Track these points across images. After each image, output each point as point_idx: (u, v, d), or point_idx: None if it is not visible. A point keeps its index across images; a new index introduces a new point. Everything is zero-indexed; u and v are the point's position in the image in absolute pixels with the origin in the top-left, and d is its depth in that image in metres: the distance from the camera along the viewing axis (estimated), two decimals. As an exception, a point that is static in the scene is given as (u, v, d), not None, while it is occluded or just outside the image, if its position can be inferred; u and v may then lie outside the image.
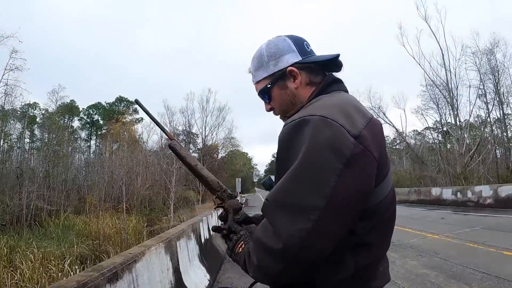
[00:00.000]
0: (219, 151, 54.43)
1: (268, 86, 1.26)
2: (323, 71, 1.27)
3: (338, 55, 1.25)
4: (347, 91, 1.26)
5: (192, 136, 52.29)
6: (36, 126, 40.68)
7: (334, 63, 1.26)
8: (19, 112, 30.44)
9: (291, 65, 1.22)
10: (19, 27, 27.62)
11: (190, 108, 48.89)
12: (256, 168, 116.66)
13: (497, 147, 28.81)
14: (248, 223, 1.25)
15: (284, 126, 1.08)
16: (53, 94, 38.23)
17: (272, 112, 1.33)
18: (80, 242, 14.55)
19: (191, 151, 52.72)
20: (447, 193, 18.65)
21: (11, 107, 26.29)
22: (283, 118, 1.31)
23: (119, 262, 2.97)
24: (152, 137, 45.57)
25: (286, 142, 1.04)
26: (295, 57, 1.23)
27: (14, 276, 8.90)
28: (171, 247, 4.64)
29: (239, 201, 1.31)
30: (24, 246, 11.94)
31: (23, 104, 29.28)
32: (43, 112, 41.04)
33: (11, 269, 9.47)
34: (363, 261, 1.06)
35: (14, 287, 8.47)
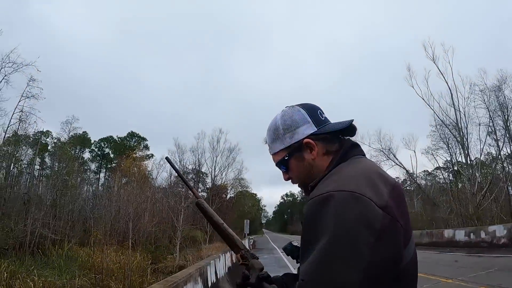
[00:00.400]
0: (228, 191, 54.30)
1: (286, 158, 1.28)
2: (338, 137, 1.28)
3: (352, 121, 1.26)
4: (364, 155, 1.28)
5: (201, 175, 52.40)
6: (47, 154, 41.04)
7: (348, 127, 1.27)
8: (31, 139, 30.89)
9: (307, 137, 1.23)
10: (39, 56, 28.48)
11: (200, 147, 49.29)
12: (264, 209, 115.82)
13: (509, 184, 28.38)
14: (270, 282, 1.31)
15: (310, 199, 1.07)
16: (66, 124, 38.90)
17: (290, 181, 1.34)
18: (82, 275, 14.31)
19: (200, 189, 52.73)
20: (460, 235, 18.23)
21: (24, 133, 26.95)
22: (301, 186, 1.33)
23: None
24: (161, 174, 45.62)
25: (314, 218, 1.03)
26: (311, 128, 1.24)
27: (12, 302, 8.68)
28: (177, 292, 4.54)
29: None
30: (25, 273, 11.75)
31: (36, 131, 29.75)
32: (55, 141, 41.61)
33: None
34: None
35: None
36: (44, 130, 38.05)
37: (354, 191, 0.99)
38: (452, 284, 8.45)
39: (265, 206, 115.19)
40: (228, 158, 49.80)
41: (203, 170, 51.54)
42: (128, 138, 58.11)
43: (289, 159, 1.27)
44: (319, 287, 0.94)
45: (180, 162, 47.84)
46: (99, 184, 51.07)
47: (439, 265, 12.28)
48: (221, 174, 50.29)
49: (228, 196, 55.05)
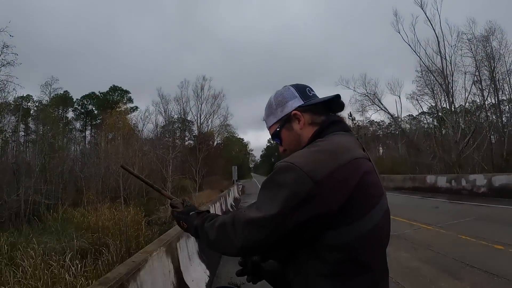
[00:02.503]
0: (215, 138, 54.64)
1: (278, 129, 1.44)
2: (326, 112, 1.42)
3: (338, 96, 1.40)
4: (346, 129, 1.39)
5: (187, 123, 52.44)
6: (30, 118, 40.06)
7: (336, 103, 1.41)
8: (12, 105, 30.19)
9: (295, 109, 1.39)
10: (9, 21, 26.82)
11: (184, 96, 49.12)
12: (252, 153, 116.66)
13: (492, 133, 28.96)
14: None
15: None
16: (46, 87, 38.06)
17: (285, 152, 1.46)
18: (80, 236, 14.56)
19: (186, 138, 53.06)
20: (442, 181, 18.74)
21: (4, 101, 26.22)
22: None
23: (124, 273, 3.07)
24: (147, 126, 45.40)
25: (266, 180, 1.23)
26: (298, 102, 1.40)
27: (17, 274, 8.97)
28: (171, 249, 4.73)
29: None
30: (25, 242, 11.97)
31: (16, 97, 28.97)
32: (37, 104, 40.62)
33: (13, 267, 9.55)
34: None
35: (17, 285, 8.54)
36: (25, 95, 37.16)
37: (293, 163, 1.14)
38: (432, 231, 8.81)
39: (252, 150, 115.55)
40: (213, 105, 49.76)
41: (188, 119, 51.57)
42: (110, 93, 56.68)
43: (280, 130, 1.44)
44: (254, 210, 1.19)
45: (165, 112, 47.71)
46: (86, 142, 50.65)
47: (421, 210, 12.84)
48: (207, 122, 50.46)
49: (215, 143, 55.52)
